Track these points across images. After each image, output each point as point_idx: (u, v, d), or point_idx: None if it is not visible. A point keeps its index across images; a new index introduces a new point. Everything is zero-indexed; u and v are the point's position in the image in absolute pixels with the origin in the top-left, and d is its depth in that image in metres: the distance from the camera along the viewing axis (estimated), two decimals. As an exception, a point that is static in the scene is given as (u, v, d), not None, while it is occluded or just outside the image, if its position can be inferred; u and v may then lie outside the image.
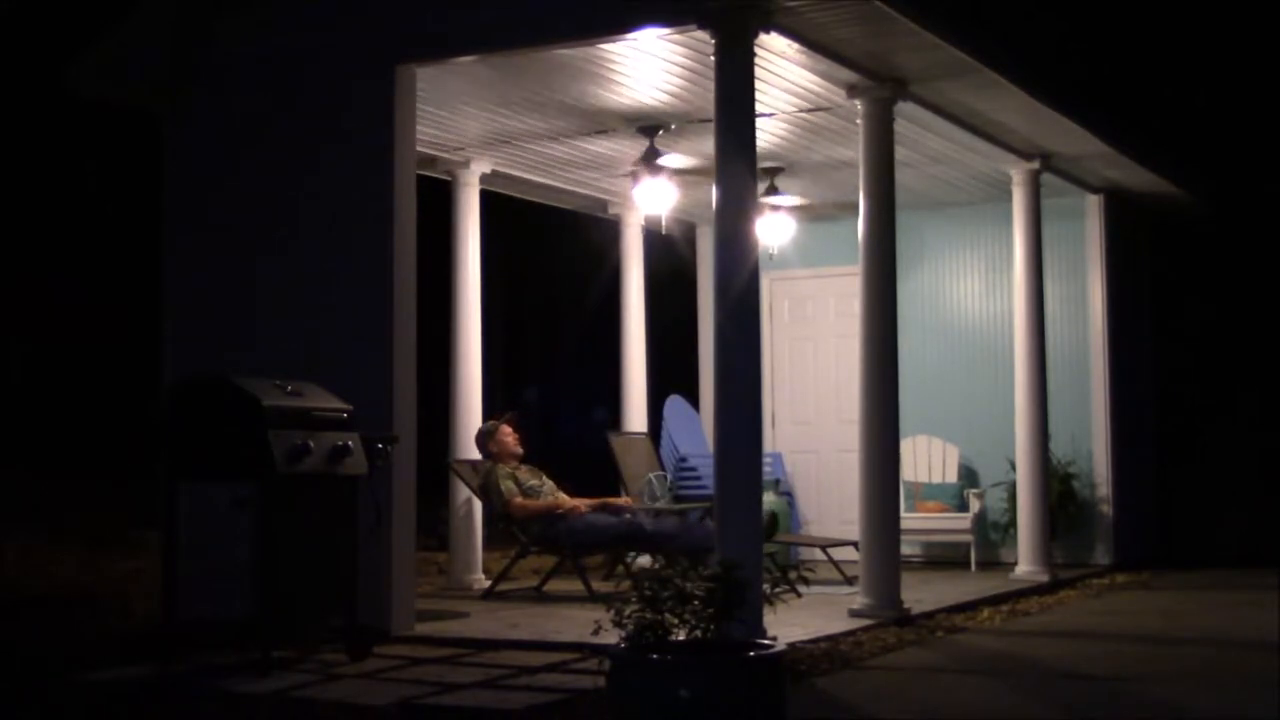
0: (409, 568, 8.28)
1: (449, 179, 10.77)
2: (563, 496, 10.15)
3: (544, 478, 10.26)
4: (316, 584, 7.21)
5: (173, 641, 7.19)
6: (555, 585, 10.16)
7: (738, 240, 7.42)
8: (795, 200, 12.03)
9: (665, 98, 9.24)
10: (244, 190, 8.90)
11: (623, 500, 10.40)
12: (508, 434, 10.19)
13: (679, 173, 10.52)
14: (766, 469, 10.65)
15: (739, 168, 7.45)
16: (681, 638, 4.91)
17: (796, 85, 8.97)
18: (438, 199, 10.60)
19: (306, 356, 8.23)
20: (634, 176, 10.35)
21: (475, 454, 10.32)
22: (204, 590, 7.07)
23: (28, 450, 16.70)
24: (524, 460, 10.30)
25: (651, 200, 10.43)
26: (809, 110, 9.57)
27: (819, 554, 11.13)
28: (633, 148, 10.28)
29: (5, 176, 17.72)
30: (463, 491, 10.47)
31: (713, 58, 7.58)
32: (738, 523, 7.29)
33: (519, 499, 9.90)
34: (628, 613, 4.95)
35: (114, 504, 13.58)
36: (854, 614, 8.46)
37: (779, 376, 13.38)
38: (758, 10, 7.46)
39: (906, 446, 11.52)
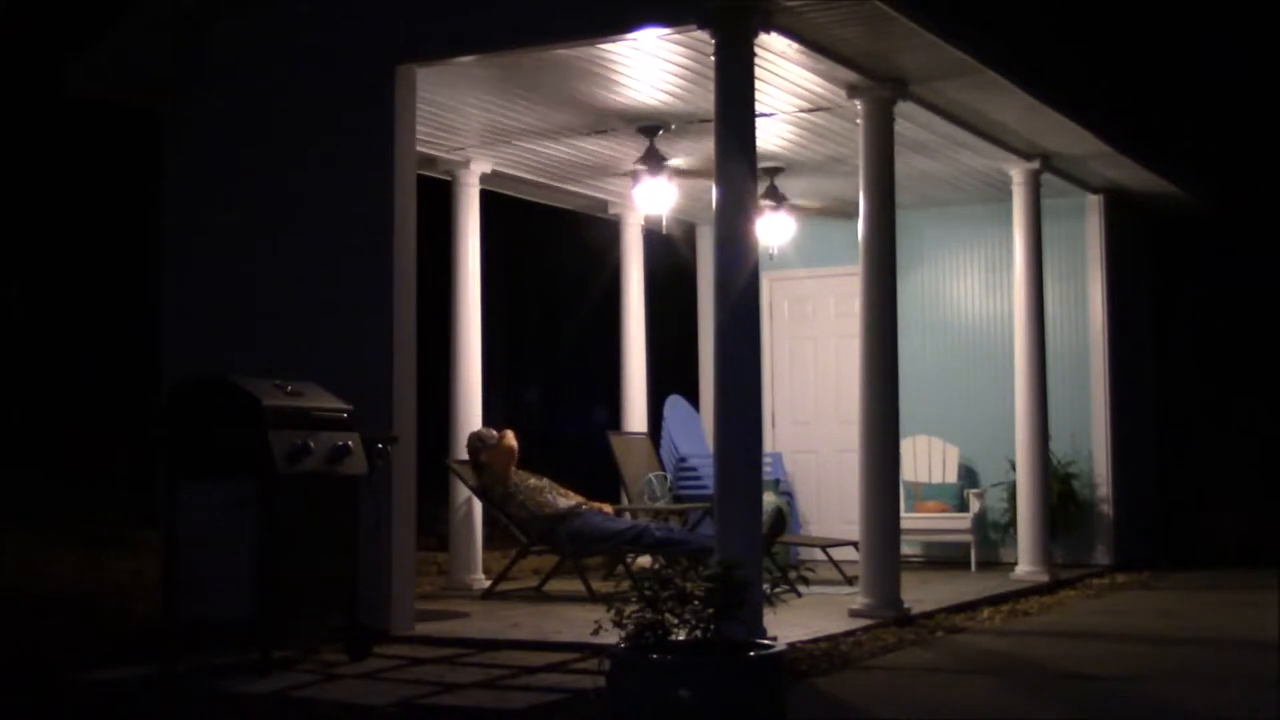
0: (409, 568, 8.28)
1: (449, 179, 10.77)
2: (570, 494, 10.17)
3: (542, 478, 10.26)
4: (316, 584, 7.21)
5: (173, 641, 7.19)
6: (555, 585, 10.16)
7: (738, 240, 7.42)
8: (795, 200, 12.03)
9: (665, 98, 9.24)
10: (244, 190, 8.90)
11: (607, 507, 10.33)
12: (512, 442, 10.11)
13: (679, 173, 10.53)
14: (766, 469, 10.65)
15: (739, 168, 7.45)
16: (681, 638, 4.91)
17: (796, 85, 8.97)
18: (438, 199, 10.60)
19: (306, 356, 8.23)
20: (634, 176, 10.36)
21: (475, 454, 10.31)
22: (204, 590, 7.07)
23: (28, 450, 16.69)
24: (518, 464, 10.26)
25: (651, 200, 10.43)
26: (809, 110, 9.57)
27: (819, 554, 11.13)
28: (633, 148, 10.28)
29: (5, 177, 17.71)
30: (463, 491, 10.47)
31: (713, 58, 7.58)
32: (738, 523, 7.29)
33: (561, 503, 9.93)
34: (628, 613, 4.94)
35: (114, 504, 13.58)
36: (854, 614, 8.46)
37: (779, 376, 13.38)
38: (758, 10, 7.46)
39: (906, 446, 11.53)
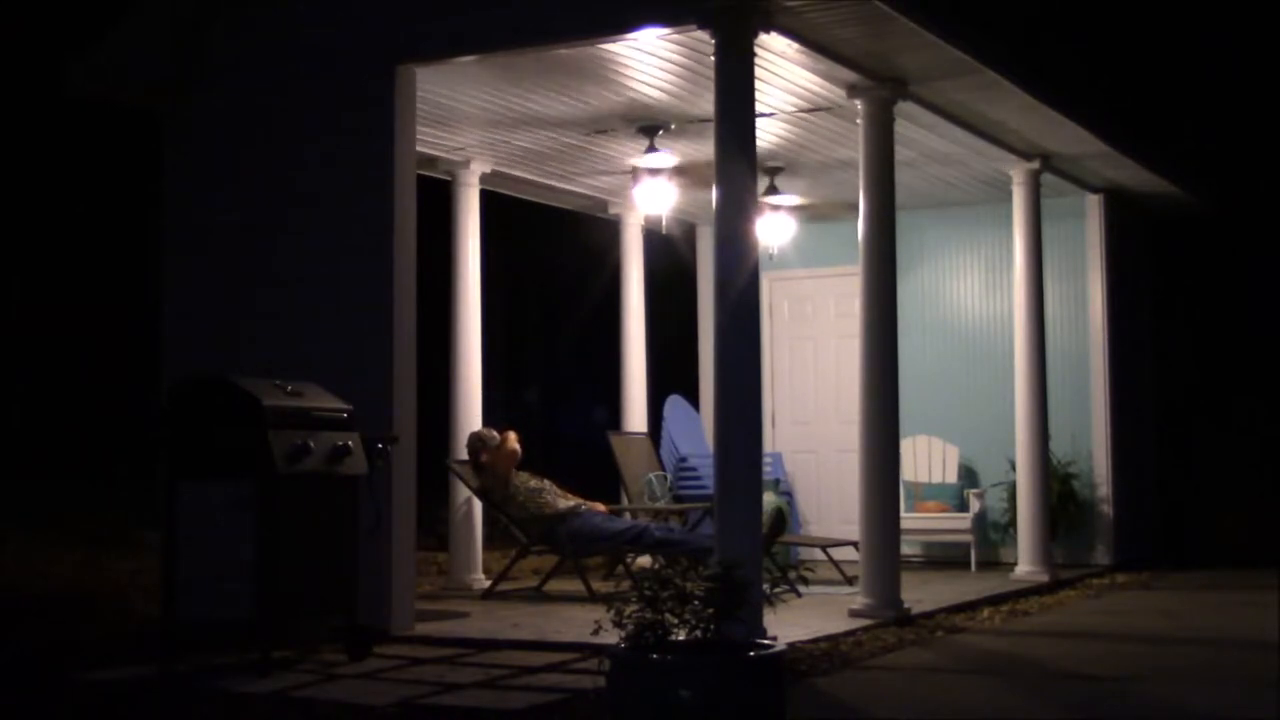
0: (409, 568, 8.28)
1: (449, 179, 10.77)
2: (570, 496, 10.17)
3: (543, 479, 10.26)
4: (316, 584, 7.21)
5: (173, 641, 7.19)
6: (555, 585, 10.16)
7: (738, 240, 7.42)
8: (795, 200, 12.03)
9: (665, 98, 9.24)
10: (243, 190, 8.90)
11: (601, 506, 10.31)
12: (514, 445, 10.08)
13: (679, 172, 10.52)
14: (766, 469, 10.65)
15: (739, 168, 7.45)
16: (681, 638, 4.91)
17: (796, 85, 8.97)
18: (438, 199, 10.60)
19: (306, 356, 8.23)
20: (634, 176, 10.36)
21: (475, 454, 10.30)
22: (204, 590, 7.07)
23: (28, 450, 16.69)
24: (519, 466, 10.26)
25: (651, 200, 10.44)
26: (809, 110, 9.57)
27: (819, 554, 11.13)
28: (633, 147, 10.28)
29: (5, 177, 17.72)
30: (463, 491, 10.46)
31: (713, 58, 7.58)
32: (738, 523, 7.29)
33: (561, 504, 9.92)
34: (628, 613, 4.94)
35: (114, 504, 13.58)
36: (854, 614, 8.46)
37: (779, 376, 13.38)
38: (758, 10, 7.46)
39: (906, 446, 11.53)
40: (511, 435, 10.13)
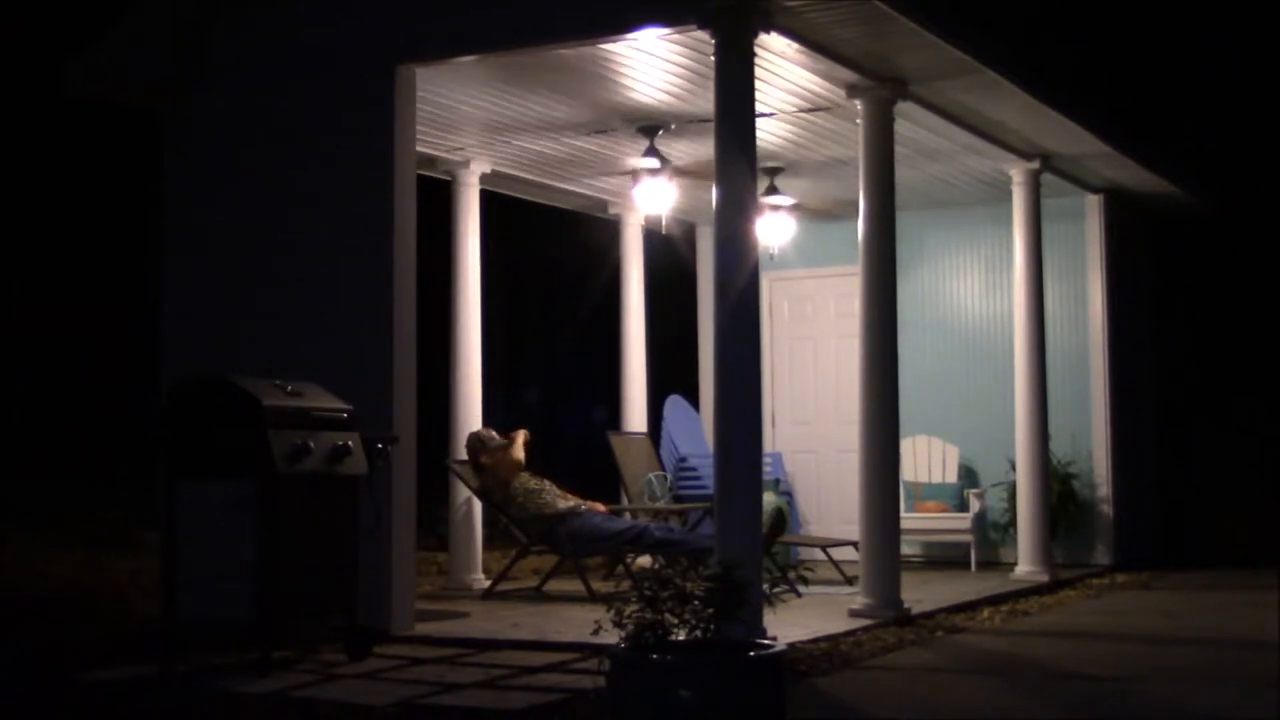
0: (409, 568, 8.28)
1: (449, 179, 10.77)
2: (570, 496, 10.16)
3: (543, 480, 10.25)
4: (316, 584, 7.21)
5: (173, 641, 7.19)
6: (555, 585, 10.16)
7: (738, 240, 7.42)
8: (795, 200, 12.03)
9: (665, 98, 9.24)
10: (243, 190, 8.90)
11: (600, 506, 10.30)
12: (519, 455, 10.06)
13: (679, 172, 10.52)
14: (766, 469, 10.65)
15: (739, 168, 7.45)
16: (681, 638, 4.91)
17: (796, 85, 8.97)
18: (438, 199, 10.60)
19: (306, 356, 8.23)
20: (634, 176, 10.36)
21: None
22: (204, 590, 7.07)
23: (28, 450, 16.69)
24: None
25: (651, 200, 10.44)
26: (809, 110, 9.57)
27: (819, 554, 11.13)
28: (633, 148, 10.28)
29: (5, 177, 17.71)
30: (463, 491, 10.47)
31: (713, 58, 7.58)
32: (738, 523, 7.29)
33: (560, 505, 9.91)
34: (628, 613, 4.94)
35: (114, 504, 13.59)
36: (854, 614, 8.46)
37: (779, 376, 13.38)
38: (758, 10, 7.46)
39: (906, 446, 11.53)
40: (519, 439, 10.09)
